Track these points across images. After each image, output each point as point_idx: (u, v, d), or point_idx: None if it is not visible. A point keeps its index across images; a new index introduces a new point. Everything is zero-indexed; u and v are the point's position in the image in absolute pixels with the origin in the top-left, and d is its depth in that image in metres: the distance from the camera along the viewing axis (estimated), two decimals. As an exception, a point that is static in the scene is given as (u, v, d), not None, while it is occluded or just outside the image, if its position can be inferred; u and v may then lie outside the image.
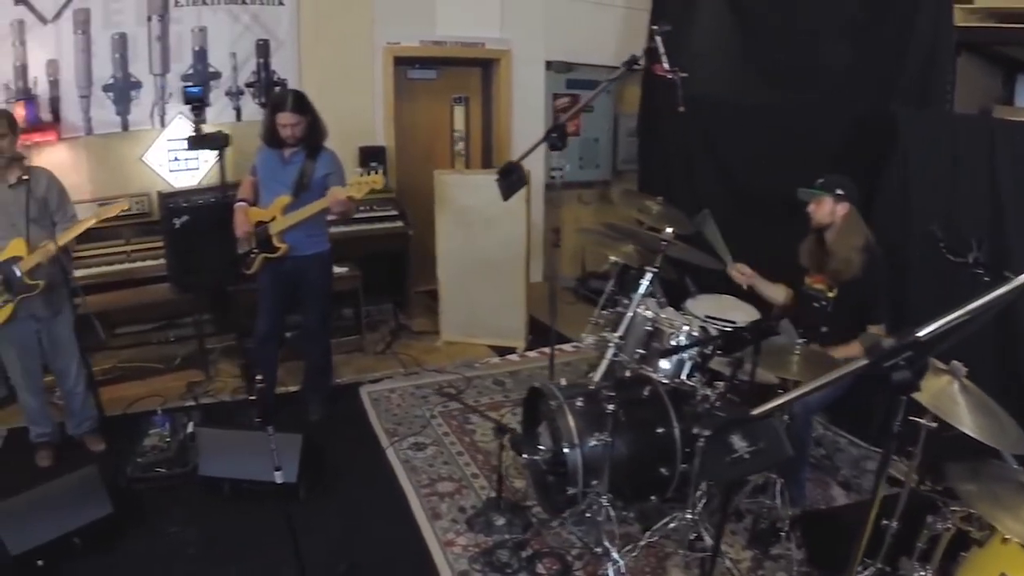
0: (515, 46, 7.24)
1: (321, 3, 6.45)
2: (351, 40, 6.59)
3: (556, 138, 3.92)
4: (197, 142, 4.02)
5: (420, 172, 6.60)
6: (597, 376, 3.54)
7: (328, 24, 6.48)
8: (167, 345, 5.98)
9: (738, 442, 2.44)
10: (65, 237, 4.12)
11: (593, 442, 3.39)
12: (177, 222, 5.16)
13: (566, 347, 5.86)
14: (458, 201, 5.75)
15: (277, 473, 2.93)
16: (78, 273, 4.92)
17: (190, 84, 4.23)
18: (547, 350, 5.57)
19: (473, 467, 4.20)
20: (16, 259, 4.11)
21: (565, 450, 3.39)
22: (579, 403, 3.52)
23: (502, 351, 5.89)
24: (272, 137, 4.45)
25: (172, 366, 5.71)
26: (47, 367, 4.56)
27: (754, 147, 5.62)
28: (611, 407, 3.27)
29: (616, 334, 3.57)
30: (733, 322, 3.84)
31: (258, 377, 3.04)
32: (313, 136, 4.44)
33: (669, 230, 3.56)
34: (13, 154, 4.07)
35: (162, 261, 5.52)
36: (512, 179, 4.18)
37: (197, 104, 4.61)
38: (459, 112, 7.10)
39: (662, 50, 3.82)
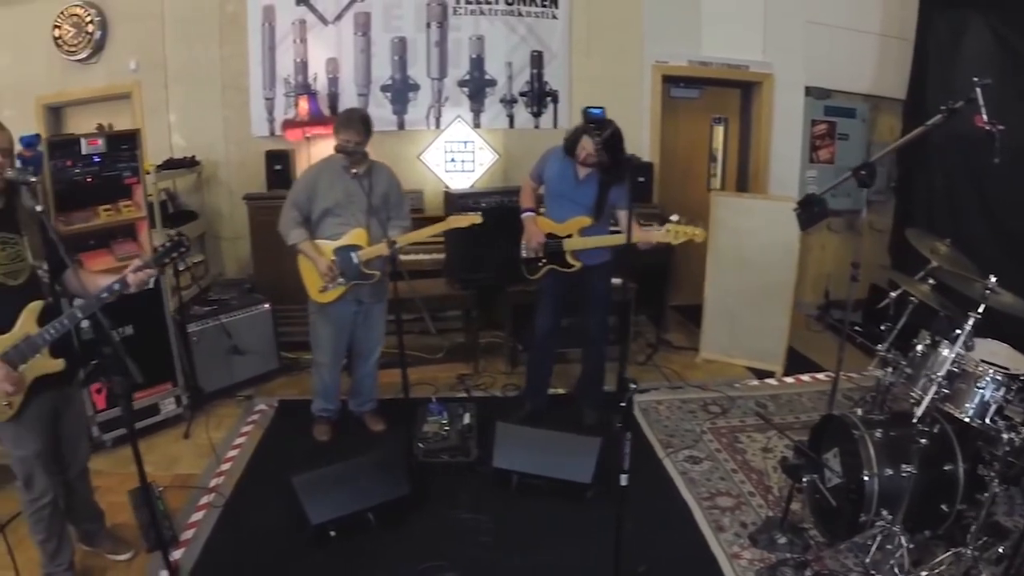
0: (776, 70, 7.76)
1: (593, 19, 7.17)
2: (621, 56, 7.28)
3: (865, 176, 4.26)
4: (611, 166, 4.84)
5: (680, 189, 7.32)
6: (919, 412, 3.94)
7: (599, 39, 7.19)
8: (428, 336, 6.75)
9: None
10: (413, 237, 4.88)
11: (889, 472, 3.79)
12: (473, 221, 5.89)
13: (820, 375, 6.29)
14: (732, 222, 6.24)
15: (623, 476, 3.31)
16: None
17: (593, 106, 4.96)
18: (804, 377, 6.10)
19: (748, 485, 4.64)
20: (355, 247, 4.83)
21: (864, 478, 3.79)
22: (878, 434, 3.93)
23: (760, 374, 6.33)
24: (573, 148, 4.93)
25: (436, 357, 6.54)
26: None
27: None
28: (923, 441, 3.70)
29: (939, 373, 4.02)
30: (1006, 368, 4.24)
31: (633, 385, 3.58)
32: (611, 173, 4.83)
33: (993, 279, 3.82)
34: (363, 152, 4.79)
35: (432, 256, 6.35)
36: (814, 211, 4.70)
37: (596, 124, 4.93)
38: (718, 132, 7.89)
39: (982, 102, 4.11)
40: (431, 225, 5.01)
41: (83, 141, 5.64)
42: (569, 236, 4.99)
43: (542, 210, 5.26)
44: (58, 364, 3.51)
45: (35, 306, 3.39)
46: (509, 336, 6.43)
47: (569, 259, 5.00)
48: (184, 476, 4.97)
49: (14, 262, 3.36)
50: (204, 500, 4.61)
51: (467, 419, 5.12)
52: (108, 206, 5.80)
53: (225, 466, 5.05)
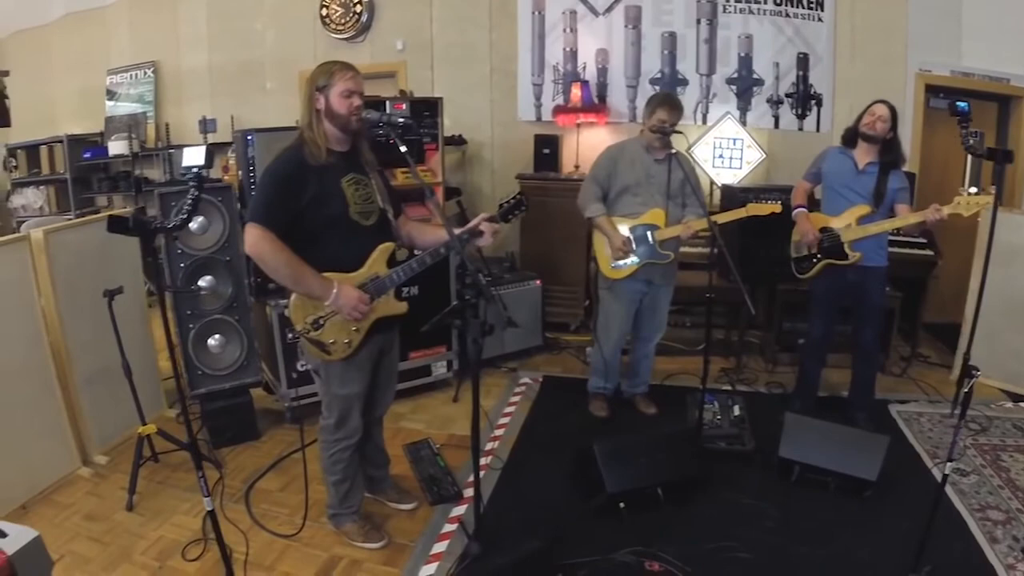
0: (1038, 84, 7.58)
1: (858, 23, 7.23)
2: (884, 63, 7.29)
3: None
4: (991, 155, 4.88)
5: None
6: None
7: (864, 44, 7.25)
8: (682, 329, 7.02)
9: None
10: (702, 224, 4.93)
11: None
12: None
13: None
14: (1002, 239, 6.05)
15: (947, 464, 3.47)
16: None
17: (959, 99, 5.02)
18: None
19: (1016, 502, 4.65)
20: (652, 227, 5.05)
21: None
22: None
23: (1015, 397, 6.24)
24: (852, 136, 5.07)
25: (695, 349, 6.77)
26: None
27: None
28: None
29: None
30: None
31: (977, 371, 3.41)
32: (891, 151, 4.93)
33: None
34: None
35: (697, 249, 6.55)
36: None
37: (964, 117, 5.10)
38: (973, 145, 7.79)
39: None
40: (732, 211, 5.13)
41: (388, 104, 5.98)
42: (847, 226, 5.03)
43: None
44: (402, 307, 3.77)
45: (386, 247, 3.66)
46: (772, 335, 6.60)
47: (847, 249, 5.02)
48: (459, 437, 5.30)
49: (366, 203, 3.61)
50: (481, 462, 4.75)
51: (737, 410, 5.27)
52: (406, 169, 6.03)
53: (499, 431, 5.37)
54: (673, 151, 4.91)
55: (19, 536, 2.74)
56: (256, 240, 3.36)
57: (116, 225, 2.90)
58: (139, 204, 8.84)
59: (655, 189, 5.07)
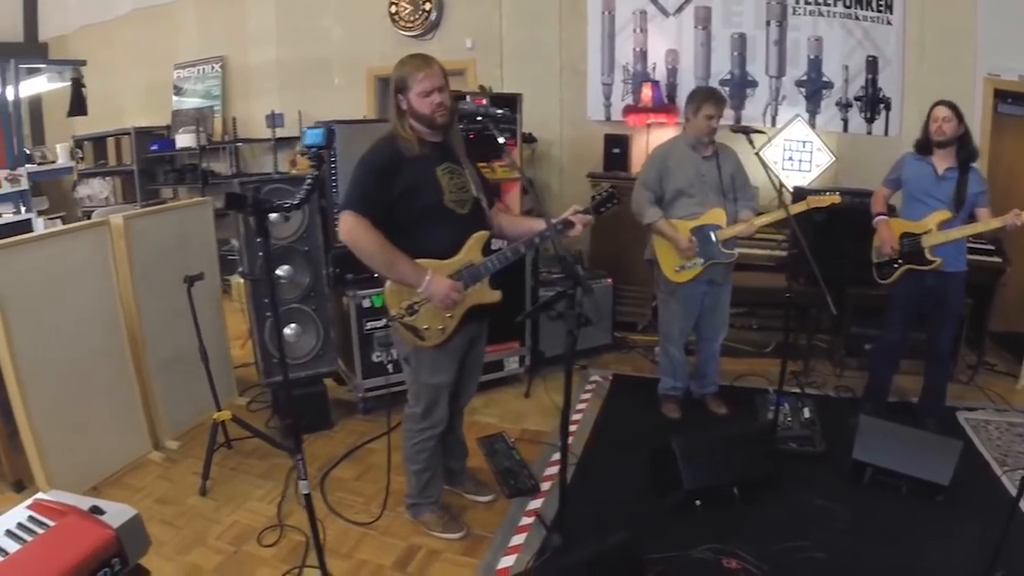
0: (1109, 89, 7.45)
1: (927, 27, 7.13)
2: (953, 67, 7.17)
3: None
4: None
5: (999, 212, 7.22)
6: None
7: (933, 48, 7.15)
8: (748, 331, 7.01)
9: None
10: (773, 217, 4.98)
11: None
12: (819, 218, 5.94)
13: None
14: None
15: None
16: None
17: None
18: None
19: None
20: (714, 227, 5.02)
21: None
22: None
23: None
24: (925, 145, 5.00)
25: (762, 351, 6.76)
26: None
27: None
28: None
29: None
30: None
31: None
32: (965, 150, 4.85)
33: None
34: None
35: (765, 251, 6.55)
36: None
37: None
38: (1039, 153, 7.69)
39: None
40: (793, 204, 5.12)
41: (468, 98, 5.96)
42: (927, 232, 4.97)
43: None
44: (496, 295, 3.76)
45: (481, 235, 3.68)
46: (841, 339, 6.52)
47: (928, 255, 4.97)
48: (532, 432, 5.34)
49: (461, 191, 3.63)
50: (555, 456, 4.81)
51: (807, 413, 5.22)
52: (484, 164, 6.03)
53: (572, 427, 5.35)
54: (725, 148, 5.08)
55: (119, 513, 2.81)
56: (351, 227, 3.42)
57: (233, 202, 2.93)
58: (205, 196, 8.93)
59: (708, 188, 5.06)
